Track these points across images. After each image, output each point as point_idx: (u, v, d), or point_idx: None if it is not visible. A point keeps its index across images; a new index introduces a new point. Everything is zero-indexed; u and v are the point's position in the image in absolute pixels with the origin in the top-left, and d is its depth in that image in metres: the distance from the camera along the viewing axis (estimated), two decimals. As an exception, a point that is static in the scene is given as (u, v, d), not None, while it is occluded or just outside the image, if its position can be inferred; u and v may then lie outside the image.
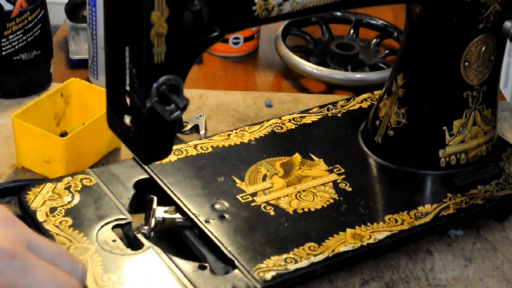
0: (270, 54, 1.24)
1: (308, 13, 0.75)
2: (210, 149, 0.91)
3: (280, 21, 0.77)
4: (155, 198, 0.84)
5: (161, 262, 0.76)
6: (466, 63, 0.87)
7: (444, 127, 0.89)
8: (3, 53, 1.04)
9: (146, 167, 0.87)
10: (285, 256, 0.78)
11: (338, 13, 1.27)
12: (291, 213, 0.83)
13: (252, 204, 0.84)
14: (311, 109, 1.00)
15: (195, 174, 0.87)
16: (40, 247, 0.68)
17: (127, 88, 0.68)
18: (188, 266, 0.76)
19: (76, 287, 0.68)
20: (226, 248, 0.78)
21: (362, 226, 0.82)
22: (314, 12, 0.75)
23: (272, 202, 0.84)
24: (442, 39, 0.86)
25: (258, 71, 1.20)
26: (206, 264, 0.77)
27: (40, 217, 0.80)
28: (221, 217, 0.82)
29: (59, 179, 0.85)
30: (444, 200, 0.86)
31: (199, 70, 1.18)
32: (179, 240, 0.82)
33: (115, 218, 0.80)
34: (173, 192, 0.84)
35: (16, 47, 1.04)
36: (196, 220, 0.81)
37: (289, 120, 0.98)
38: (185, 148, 0.91)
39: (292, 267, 0.76)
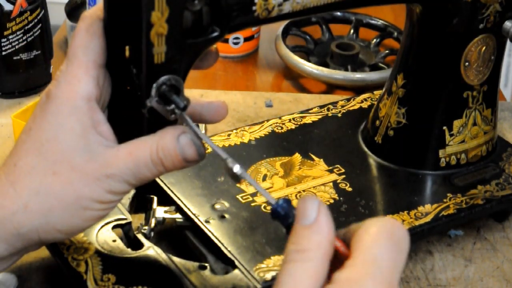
0: (270, 54, 1.23)
1: (308, 13, 0.75)
2: (210, 149, 0.91)
3: (280, 21, 0.77)
4: (155, 198, 0.84)
5: (161, 262, 0.76)
6: (466, 63, 0.87)
7: (444, 127, 0.89)
8: (3, 53, 1.04)
9: (146, 167, 0.87)
10: (285, 256, 0.77)
11: (338, 13, 1.27)
12: (291, 213, 0.83)
13: (252, 204, 0.84)
14: (311, 109, 1.00)
15: (195, 174, 0.87)
16: None
17: (127, 88, 0.68)
18: (188, 266, 0.76)
19: None
20: (226, 248, 0.78)
21: (362, 226, 0.82)
22: (314, 12, 0.75)
23: (272, 202, 0.84)
24: (442, 39, 0.86)
25: (258, 71, 1.20)
26: (206, 264, 0.77)
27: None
28: (221, 217, 0.82)
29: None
30: (444, 200, 0.86)
31: (199, 70, 1.18)
32: (179, 240, 0.82)
33: (115, 218, 0.80)
34: (173, 192, 0.84)
35: (16, 47, 1.04)
36: (196, 220, 0.81)
37: (289, 120, 0.98)
38: (185, 148, 0.90)
39: (292, 267, 0.76)
